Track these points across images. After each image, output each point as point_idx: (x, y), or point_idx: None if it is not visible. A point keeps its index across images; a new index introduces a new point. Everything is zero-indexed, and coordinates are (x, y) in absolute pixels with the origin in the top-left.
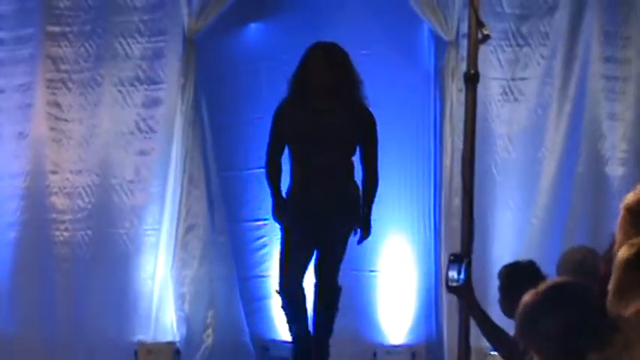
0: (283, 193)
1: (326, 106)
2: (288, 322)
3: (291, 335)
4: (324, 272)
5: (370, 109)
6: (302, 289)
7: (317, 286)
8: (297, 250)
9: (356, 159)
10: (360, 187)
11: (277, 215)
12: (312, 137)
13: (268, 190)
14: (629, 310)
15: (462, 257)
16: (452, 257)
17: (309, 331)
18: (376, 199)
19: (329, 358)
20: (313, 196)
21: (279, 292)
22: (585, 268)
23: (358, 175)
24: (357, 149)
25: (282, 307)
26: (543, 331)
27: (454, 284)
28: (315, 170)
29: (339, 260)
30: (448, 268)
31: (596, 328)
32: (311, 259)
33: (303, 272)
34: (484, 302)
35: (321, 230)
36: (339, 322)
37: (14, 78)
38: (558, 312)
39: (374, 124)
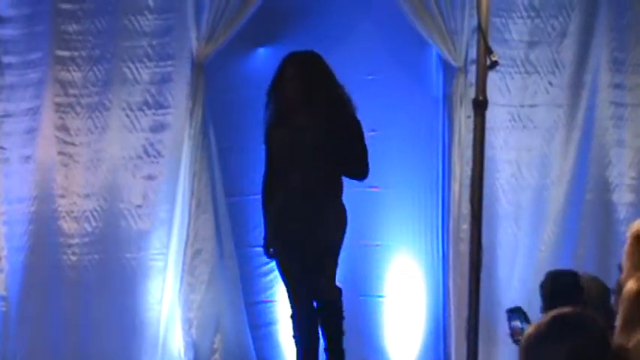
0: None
1: (306, 122)
2: (298, 353)
3: None
4: (320, 288)
5: (357, 116)
6: (313, 310)
7: (321, 311)
8: (293, 272)
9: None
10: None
11: (266, 247)
12: (292, 156)
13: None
14: (632, 341)
15: (519, 308)
16: (509, 310)
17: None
18: (383, 222)
19: None
20: (291, 224)
21: (292, 317)
22: (589, 295)
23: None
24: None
25: (294, 335)
26: None
27: (520, 334)
28: (293, 191)
29: (331, 271)
30: (510, 320)
31: (601, 358)
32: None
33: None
34: (493, 328)
35: (306, 233)
36: (348, 348)
37: (23, 102)
38: (562, 343)
39: (360, 132)
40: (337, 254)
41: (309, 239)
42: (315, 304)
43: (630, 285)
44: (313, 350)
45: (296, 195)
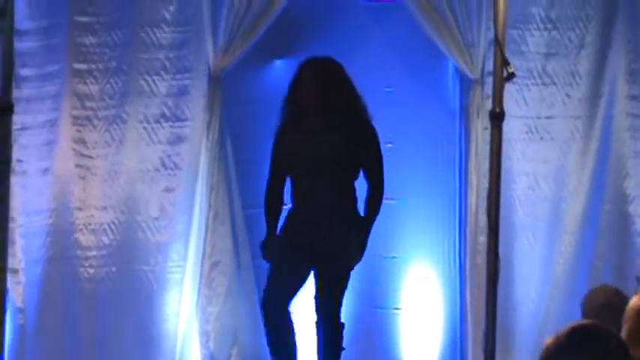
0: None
1: (320, 127)
2: (271, 353)
3: None
4: (324, 307)
5: (373, 124)
6: (287, 315)
7: (318, 323)
8: (287, 273)
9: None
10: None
11: (265, 254)
12: (305, 161)
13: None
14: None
15: None
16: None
17: None
18: (400, 235)
19: None
20: (308, 228)
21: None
22: (610, 308)
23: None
24: (360, 171)
25: (266, 334)
26: None
27: None
28: (310, 198)
29: (339, 294)
30: None
31: None
32: (302, 284)
33: (291, 294)
34: (510, 339)
35: (316, 253)
36: None
37: (40, 114)
38: (582, 355)
39: (375, 139)
40: (348, 276)
41: (321, 253)
42: (317, 318)
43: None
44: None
45: (308, 204)
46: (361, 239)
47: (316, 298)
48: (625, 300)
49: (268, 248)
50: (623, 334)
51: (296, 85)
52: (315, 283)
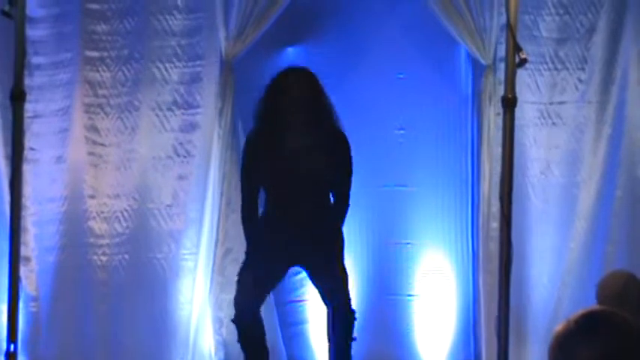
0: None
1: (302, 142)
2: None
3: None
4: (333, 295)
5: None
6: (258, 320)
7: (329, 315)
8: (262, 268)
9: None
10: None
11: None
12: (284, 176)
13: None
14: None
15: None
16: None
17: None
18: (413, 221)
19: None
20: (285, 233)
21: (233, 321)
22: (626, 293)
23: None
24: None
25: (238, 340)
26: None
27: None
28: (287, 209)
29: (342, 281)
30: None
31: (634, 355)
32: (276, 282)
33: (262, 297)
34: (523, 325)
35: (299, 246)
36: (378, 347)
37: (52, 103)
38: (594, 340)
39: (348, 149)
40: (342, 262)
41: (306, 239)
42: (328, 311)
43: None
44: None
45: (285, 214)
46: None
47: (321, 295)
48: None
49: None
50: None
51: (278, 94)
52: (313, 283)
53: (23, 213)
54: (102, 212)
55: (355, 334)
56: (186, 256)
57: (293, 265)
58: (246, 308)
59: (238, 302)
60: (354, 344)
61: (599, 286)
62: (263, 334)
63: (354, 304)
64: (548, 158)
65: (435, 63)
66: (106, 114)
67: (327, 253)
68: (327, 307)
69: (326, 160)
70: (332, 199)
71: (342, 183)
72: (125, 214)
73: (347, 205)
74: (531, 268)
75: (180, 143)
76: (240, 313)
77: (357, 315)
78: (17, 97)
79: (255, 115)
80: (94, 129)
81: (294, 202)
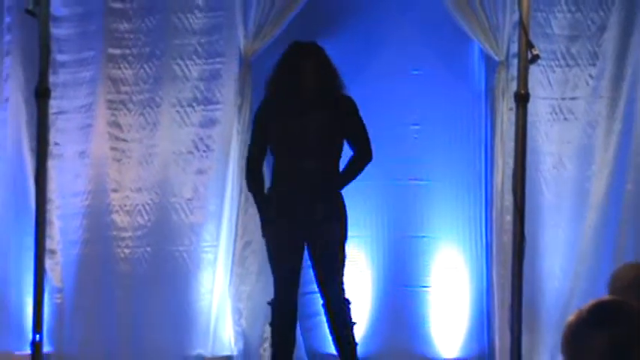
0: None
1: (310, 107)
2: (273, 345)
3: None
4: (327, 285)
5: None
6: (294, 308)
7: (325, 305)
8: (280, 257)
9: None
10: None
11: (265, 220)
12: (300, 141)
13: (251, 194)
14: None
15: None
16: None
17: None
18: (428, 214)
19: None
20: (299, 196)
21: (269, 303)
22: (638, 284)
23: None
24: (344, 144)
25: (271, 323)
26: (591, 349)
27: None
28: (301, 174)
29: (340, 268)
30: None
31: None
32: (300, 264)
33: (295, 284)
34: (536, 316)
35: (309, 224)
36: (394, 337)
37: (76, 99)
38: (604, 329)
39: (356, 108)
40: (344, 248)
41: (315, 218)
42: (323, 302)
43: None
44: (287, 343)
45: (300, 185)
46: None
47: (317, 284)
48: None
49: (267, 209)
50: None
51: (288, 66)
52: (313, 268)
53: (48, 207)
54: (124, 206)
55: (355, 319)
56: (206, 249)
57: (306, 239)
58: (284, 291)
59: (276, 285)
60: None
61: (611, 278)
62: (295, 321)
63: (369, 295)
64: (560, 153)
65: (450, 60)
66: (129, 110)
67: (331, 239)
68: (322, 299)
69: (333, 123)
70: (352, 154)
71: (359, 138)
72: (147, 207)
73: (369, 156)
74: (544, 260)
75: (201, 138)
76: (277, 297)
77: (351, 302)
78: (42, 93)
79: (266, 85)
80: (116, 125)
81: (302, 162)
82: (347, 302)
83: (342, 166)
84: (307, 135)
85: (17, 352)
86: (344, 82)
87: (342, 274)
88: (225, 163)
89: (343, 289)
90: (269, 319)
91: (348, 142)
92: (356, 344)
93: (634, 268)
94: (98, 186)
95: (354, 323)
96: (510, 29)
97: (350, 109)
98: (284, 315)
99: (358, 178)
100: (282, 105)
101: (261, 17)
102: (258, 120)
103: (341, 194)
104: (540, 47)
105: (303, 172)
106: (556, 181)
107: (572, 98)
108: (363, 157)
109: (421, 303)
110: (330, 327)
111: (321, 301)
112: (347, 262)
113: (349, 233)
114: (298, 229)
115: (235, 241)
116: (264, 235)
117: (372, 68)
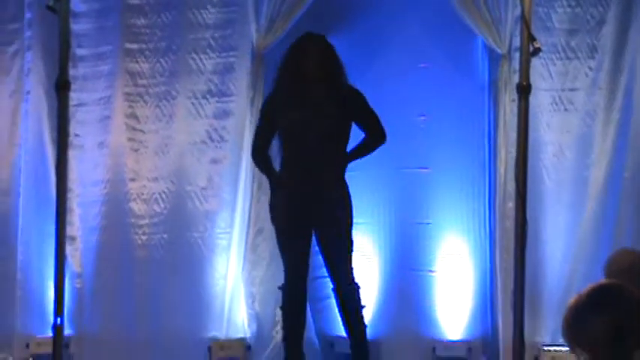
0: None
1: (319, 96)
2: (284, 328)
3: (285, 347)
4: (336, 270)
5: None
6: (303, 292)
7: (335, 289)
8: (289, 244)
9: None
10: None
11: (277, 183)
12: (307, 131)
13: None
14: None
15: None
16: None
17: (302, 346)
18: (434, 201)
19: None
20: (306, 184)
21: (280, 288)
22: (633, 269)
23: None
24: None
25: (282, 307)
26: (591, 332)
27: None
28: (309, 162)
29: (347, 253)
30: None
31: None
32: (308, 249)
33: (305, 269)
34: (537, 299)
35: (312, 209)
36: (401, 319)
37: (95, 92)
38: (604, 312)
39: (362, 97)
40: (350, 236)
41: (322, 203)
42: (333, 286)
43: None
44: (297, 325)
45: (308, 173)
46: (338, 175)
47: (327, 269)
48: None
49: (278, 184)
50: None
51: (298, 57)
52: (322, 254)
53: (69, 195)
54: (142, 194)
55: (363, 302)
56: (220, 235)
57: (313, 226)
58: (294, 276)
59: (286, 271)
60: (372, 314)
61: (607, 262)
62: (305, 304)
63: (377, 279)
64: (560, 142)
65: (454, 53)
66: (145, 102)
67: (335, 221)
68: (332, 284)
69: (339, 112)
70: (364, 136)
71: (370, 121)
72: (163, 195)
73: (383, 138)
74: (545, 245)
75: (215, 129)
76: (287, 281)
77: (360, 286)
78: (62, 86)
79: (275, 77)
80: (133, 116)
81: (309, 151)
82: (356, 286)
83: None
84: (314, 125)
85: (39, 335)
86: (347, 75)
87: (350, 259)
88: (238, 153)
89: (352, 274)
90: (280, 303)
91: (360, 126)
92: (365, 326)
93: (630, 253)
94: (116, 175)
95: (363, 306)
96: (512, 24)
97: (356, 95)
98: (294, 299)
99: (367, 167)
100: (289, 95)
101: (272, 12)
102: (265, 113)
103: (346, 182)
104: (541, 41)
105: (311, 161)
106: (556, 169)
107: (572, 89)
108: (376, 139)
109: (427, 286)
110: (340, 310)
111: (331, 286)
112: (355, 248)
113: (358, 220)
114: (306, 216)
115: (248, 228)
116: (273, 221)
117: (382, 61)
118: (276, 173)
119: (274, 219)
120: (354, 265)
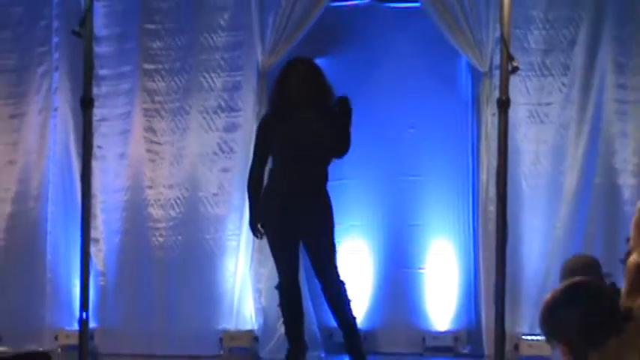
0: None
1: (306, 116)
2: (284, 323)
3: (287, 339)
4: (323, 272)
5: None
6: (297, 289)
7: (323, 289)
8: (281, 248)
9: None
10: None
11: (254, 223)
12: (296, 149)
13: (247, 200)
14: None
15: None
16: None
17: (303, 336)
18: (423, 206)
19: (363, 343)
20: (293, 197)
21: (276, 287)
22: (585, 273)
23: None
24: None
25: (279, 304)
26: (566, 324)
27: None
28: (296, 178)
29: (332, 255)
30: None
31: (612, 318)
32: (298, 252)
33: (296, 269)
34: (517, 293)
35: (300, 219)
36: (394, 312)
37: (116, 108)
38: (578, 305)
39: (348, 112)
40: (334, 237)
41: (307, 210)
42: (320, 285)
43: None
44: (296, 320)
45: (295, 183)
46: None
47: (314, 271)
48: (598, 262)
49: (257, 219)
50: (624, 287)
51: (288, 80)
52: (309, 259)
53: (93, 202)
54: (158, 200)
55: (350, 297)
56: (230, 237)
57: (300, 233)
58: (288, 276)
59: (280, 271)
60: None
61: (562, 266)
62: (300, 300)
63: (371, 276)
64: (537, 151)
65: (440, 71)
66: (162, 117)
67: (321, 230)
68: (320, 284)
69: (326, 131)
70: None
71: (342, 134)
72: (178, 201)
73: (345, 150)
74: (524, 245)
75: (225, 141)
76: (282, 281)
77: (345, 281)
78: (86, 103)
79: (269, 100)
80: (151, 130)
81: (298, 165)
82: (342, 283)
83: (331, 170)
84: (302, 143)
85: (67, 328)
86: (333, 90)
87: (335, 260)
88: (246, 162)
89: (337, 273)
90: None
91: (334, 132)
92: (354, 318)
93: (583, 257)
94: (136, 183)
95: (350, 300)
96: (493, 44)
97: (342, 108)
98: (289, 296)
99: (364, 175)
100: (277, 116)
101: (276, 36)
102: (259, 136)
103: (328, 192)
104: (519, 60)
105: (298, 177)
106: (533, 175)
107: (547, 104)
108: (339, 147)
109: (417, 282)
110: (330, 306)
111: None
112: (352, 248)
113: (355, 222)
114: (293, 231)
115: None
116: (264, 233)
117: (374, 79)
118: (256, 209)
119: (265, 233)
120: (338, 264)
